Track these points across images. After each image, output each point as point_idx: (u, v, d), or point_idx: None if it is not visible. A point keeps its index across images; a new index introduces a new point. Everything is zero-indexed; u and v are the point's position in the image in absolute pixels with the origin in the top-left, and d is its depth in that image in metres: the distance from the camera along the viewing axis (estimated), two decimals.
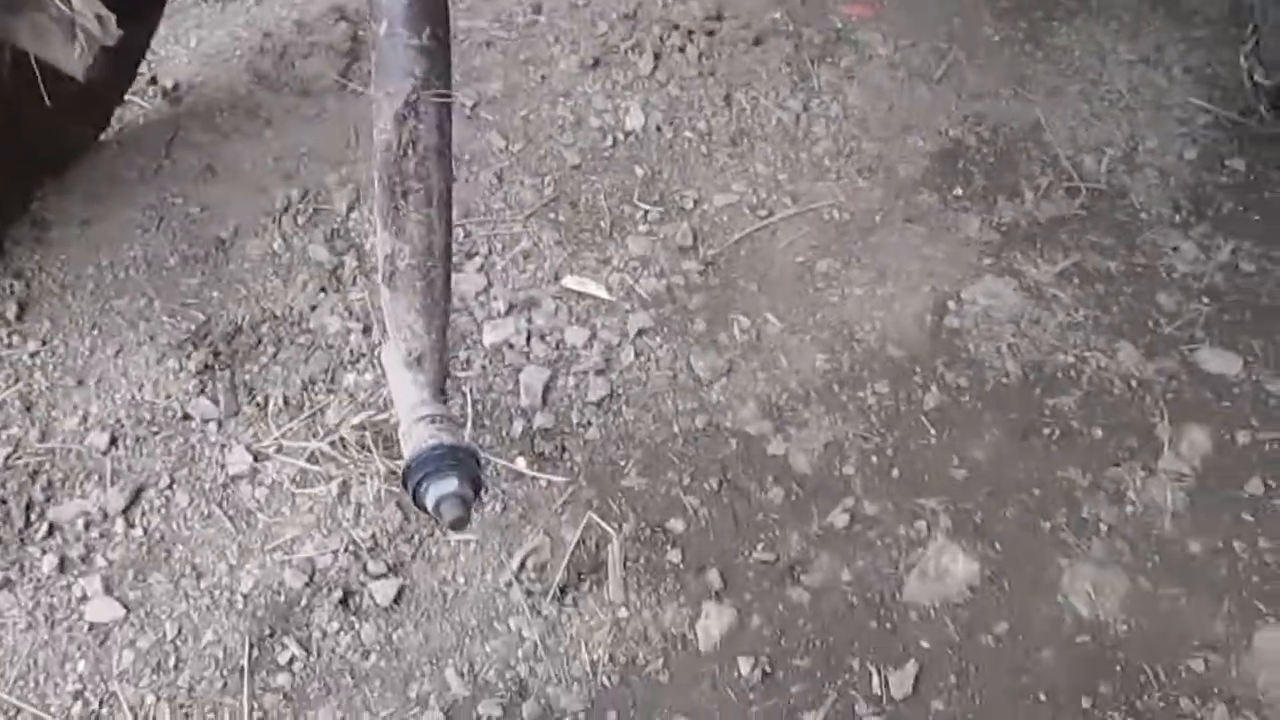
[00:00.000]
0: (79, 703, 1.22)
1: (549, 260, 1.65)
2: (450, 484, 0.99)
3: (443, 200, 1.03)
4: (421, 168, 1.00)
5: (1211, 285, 1.66)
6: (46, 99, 1.48)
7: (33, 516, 1.37)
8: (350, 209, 1.70)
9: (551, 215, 1.72)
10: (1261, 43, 1.69)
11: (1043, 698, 1.22)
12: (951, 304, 1.62)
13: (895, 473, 1.42)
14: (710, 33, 2.04)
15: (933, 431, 1.46)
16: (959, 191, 1.80)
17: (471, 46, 2.00)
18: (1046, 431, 1.46)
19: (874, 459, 1.43)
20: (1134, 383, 1.52)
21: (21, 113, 1.55)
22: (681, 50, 2.00)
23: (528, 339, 1.54)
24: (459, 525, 1.01)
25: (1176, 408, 1.49)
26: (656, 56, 1.98)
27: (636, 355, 1.54)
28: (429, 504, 1.00)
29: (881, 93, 1.97)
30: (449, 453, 1.01)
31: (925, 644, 1.27)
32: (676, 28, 2.04)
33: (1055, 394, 1.51)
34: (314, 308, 1.58)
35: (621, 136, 1.85)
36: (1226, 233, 1.73)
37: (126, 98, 1.84)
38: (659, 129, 1.87)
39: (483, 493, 1.18)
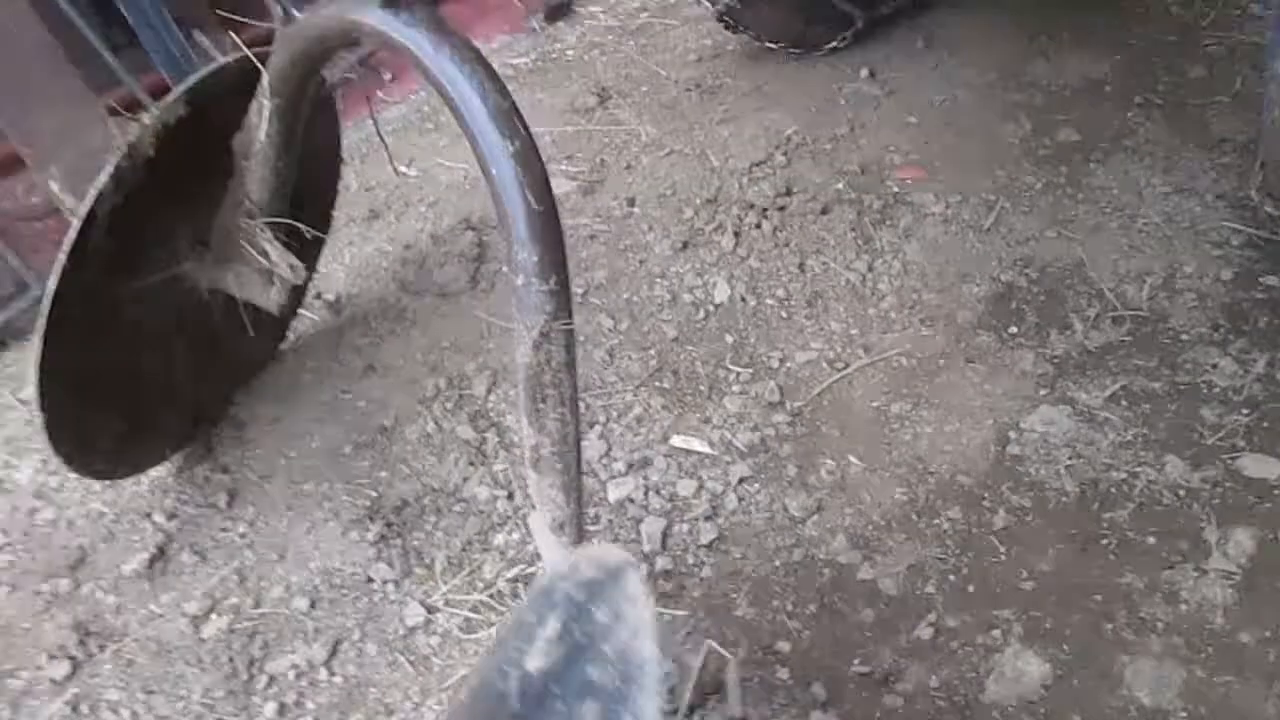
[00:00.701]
0: None
1: (658, 423, 1.94)
2: None
3: (573, 401, 1.32)
4: (555, 379, 1.30)
5: (1250, 396, 1.84)
6: (249, 329, 1.85)
7: (254, 670, 1.67)
8: (489, 391, 2.03)
9: (657, 383, 2.01)
10: (1267, 178, 1.91)
11: None
12: (1012, 433, 1.84)
13: (971, 588, 1.63)
14: (782, 208, 2.34)
15: (1002, 549, 1.67)
16: (1014, 330, 2.04)
17: (578, 240, 2.34)
18: (1104, 542, 1.66)
19: (951, 577, 1.65)
20: (1182, 492, 1.71)
21: (225, 339, 1.92)
22: (758, 226, 2.30)
23: (645, 493, 1.82)
24: None
25: (1222, 512, 1.67)
26: (736, 234, 2.29)
27: (739, 501, 1.80)
28: None
29: (938, 247, 2.23)
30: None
31: None
32: (752, 207, 2.35)
33: (1111, 508, 1.71)
34: (465, 480, 1.88)
35: (712, 309, 2.15)
36: (1263, 346, 1.92)
37: (299, 312, 2.22)
38: (743, 299, 2.16)
39: None
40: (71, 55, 2.41)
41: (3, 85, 2.27)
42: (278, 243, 1.70)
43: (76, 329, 1.58)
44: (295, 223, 1.71)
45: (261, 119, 1.56)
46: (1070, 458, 1.79)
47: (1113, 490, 1.73)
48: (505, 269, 1.34)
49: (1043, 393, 1.91)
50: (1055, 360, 1.97)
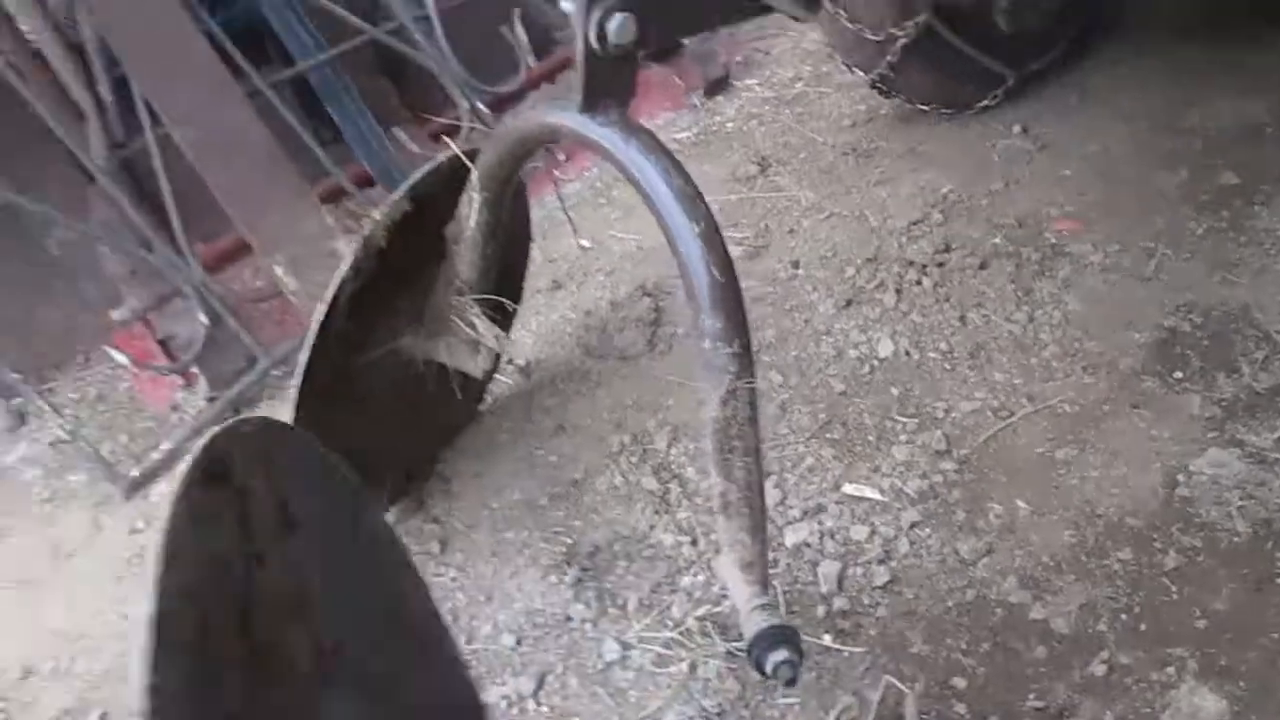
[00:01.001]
0: None
1: (830, 472, 2.06)
2: (782, 654, 1.39)
3: (756, 452, 1.47)
4: (740, 432, 1.45)
5: None
6: (456, 394, 2.08)
7: None
8: (669, 446, 2.19)
9: (827, 435, 2.14)
10: None
11: None
12: (1181, 476, 1.89)
13: (1143, 626, 1.68)
14: (941, 264, 2.45)
15: (1174, 589, 1.72)
16: (1179, 374, 2.08)
17: (747, 302, 2.49)
18: (1279, 581, 1.69)
19: (1123, 616, 1.70)
20: None
21: (435, 404, 2.15)
22: (918, 283, 2.41)
23: (820, 538, 1.94)
24: (791, 684, 1.40)
25: None
26: (898, 291, 2.41)
27: (910, 545, 1.90)
28: (768, 669, 1.40)
29: (1098, 296, 2.29)
30: (779, 631, 1.41)
31: None
32: (912, 264, 2.46)
33: None
34: (652, 527, 2.04)
35: (877, 363, 2.26)
36: None
37: (495, 378, 2.44)
38: (907, 353, 2.27)
39: (803, 660, 1.54)
40: (287, 152, 2.74)
41: (233, 182, 2.60)
42: (484, 316, 1.92)
43: (318, 398, 1.82)
44: (499, 298, 1.93)
45: (471, 210, 1.78)
46: (1241, 499, 1.82)
47: None
48: (692, 334, 1.50)
49: (1211, 435, 1.94)
50: (1223, 403, 2.00)
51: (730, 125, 3.33)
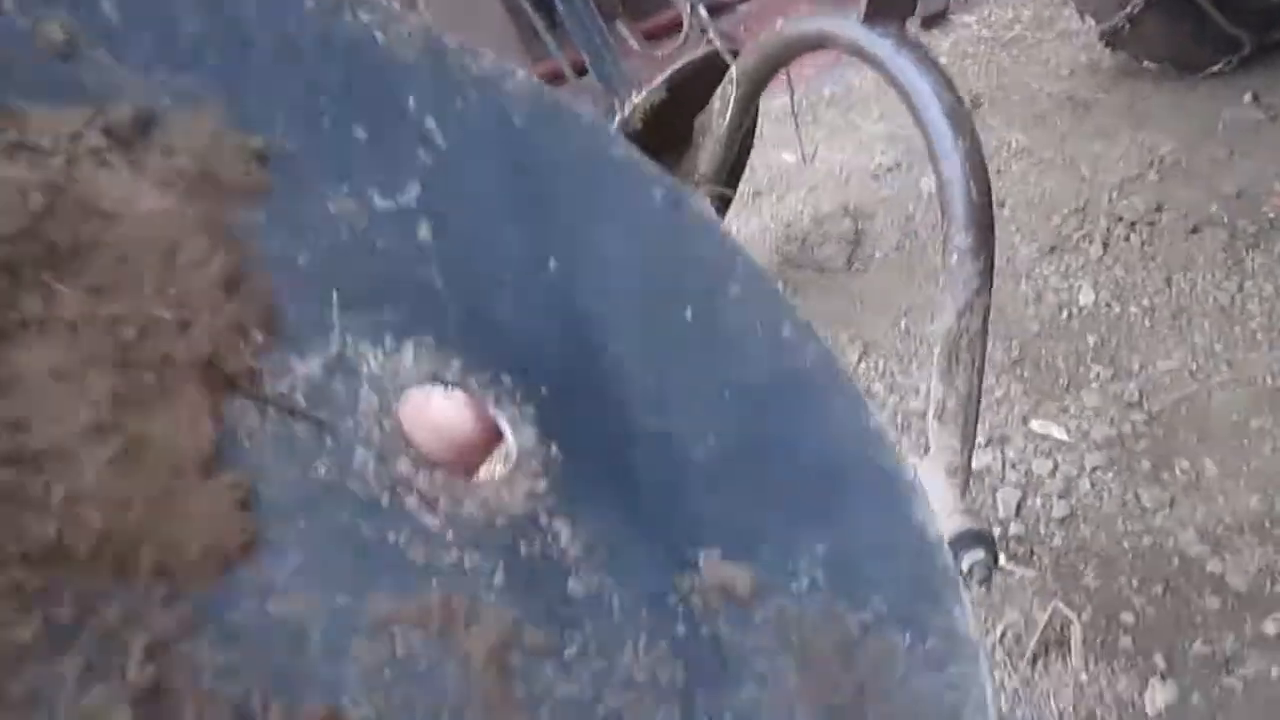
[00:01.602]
0: None
1: (1017, 407, 2.12)
2: (979, 554, 1.48)
3: (980, 366, 1.55)
4: (970, 345, 1.53)
5: None
6: None
7: None
8: (859, 360, 2.27)
9: (1018, 371, 2.19)
10: None
11: None
12: None
13: None
14: (1151, 224, 2.44)
15: None
16: None
17: None
18: None
19: None
20: None
21: None
22: (1126, 239, 2.42)
23: (1002, 467, 2.01)
24: (984, 584, 1.49)
25: None
26: (1104, 244, 2.42)
27: (1092, 486, 1.96)
28: (964, 568, 1.49)
29: None
30: (977, 534, 1.50)
31: None
32: (1121, 220, 2.46)
33: None
34: None
35: (1075, 310, 2.30)
36: None
37: None
38: (1108, 305, 2.29)
39: (997, 564, 1.63)
40: (515, 31, 2.86)
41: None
42: (713, 209, 2.02)
43: None
44: (726, 190, 2.03)
45: (725, 105, 1.87)
46: None
47: None
48: (943, 247, 1.58)
49: None
50: None
51: (944, 60, 3.31)
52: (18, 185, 0.28)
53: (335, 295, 0.34)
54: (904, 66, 1.54)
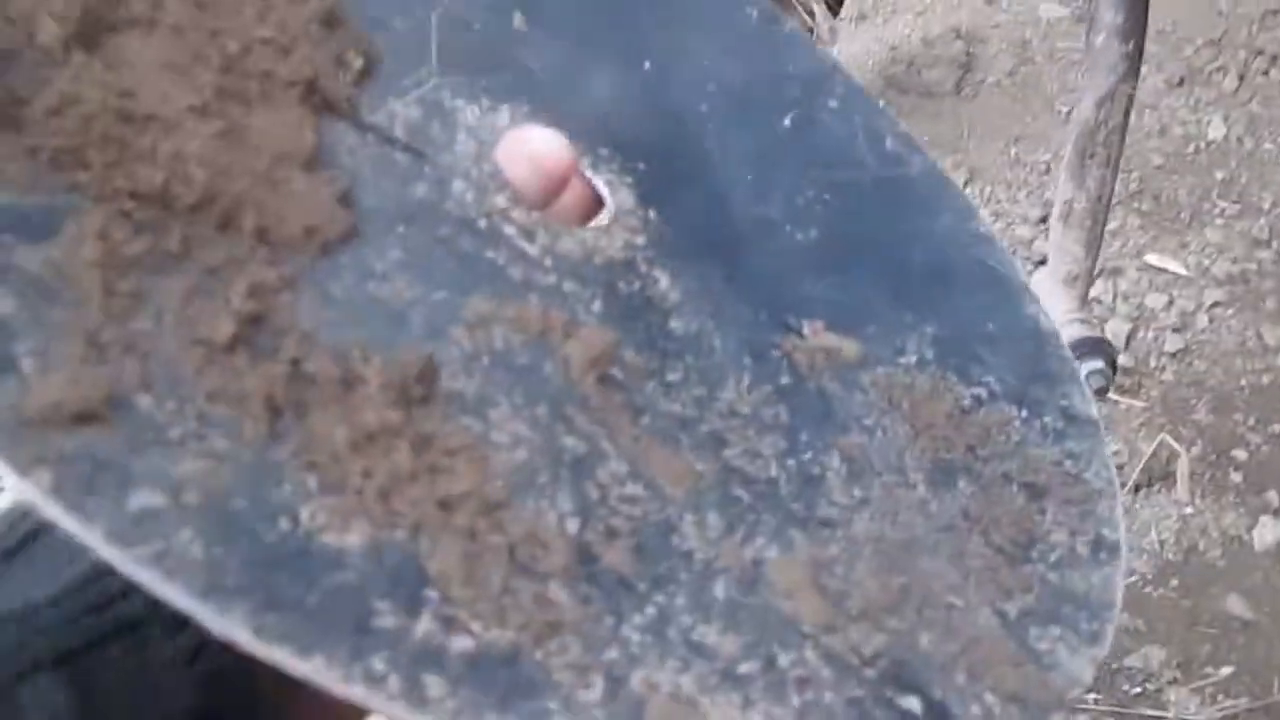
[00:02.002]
0: None
1: (1133, 240, 1.99)
2: (1098, 362, 1.39)
3: (1115, 165, 1.43)
4: (1108, 139, 1.40)
5: None
6: None
7: None
8: (964, 187, 2.15)
9: (1136, 205, 2.05)
10: None
11: None
12: None
13: None
14: None
15: None
16: None
17: (1068, 64, 2.37)
18: None
19: None
20: None
21: None
22: (1265, 73, 2.23)
23: (1114, 298, 1.90)
24: (1102, 393, 1.40)
25: None
26: (1240, 78, 2.24)
27: (1209, 322, 1.84)
28: (1082, 376, 1.40)
29: None
30: (1096, 342, 1.40)
31: None
32: (1261, 53, 2.27)
33: None
34: None
35: (1203, 145, 2.14)
36: None
37: None
38: (1239, 140, 2.13)
39: (1116, 374, 1.53)
40: None
41: None
42: (823, 3, 1.89)
43: None
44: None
45: None
46: None
47: None
48: (1086, 34, 1.44)
49: None
50: None
51: None
52: None
53: (434, 50, 0.36)
54: None
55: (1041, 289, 1.58)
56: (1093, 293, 1.90)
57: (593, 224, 0.37)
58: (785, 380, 0.36)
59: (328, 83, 0.32)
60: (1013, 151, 2.22)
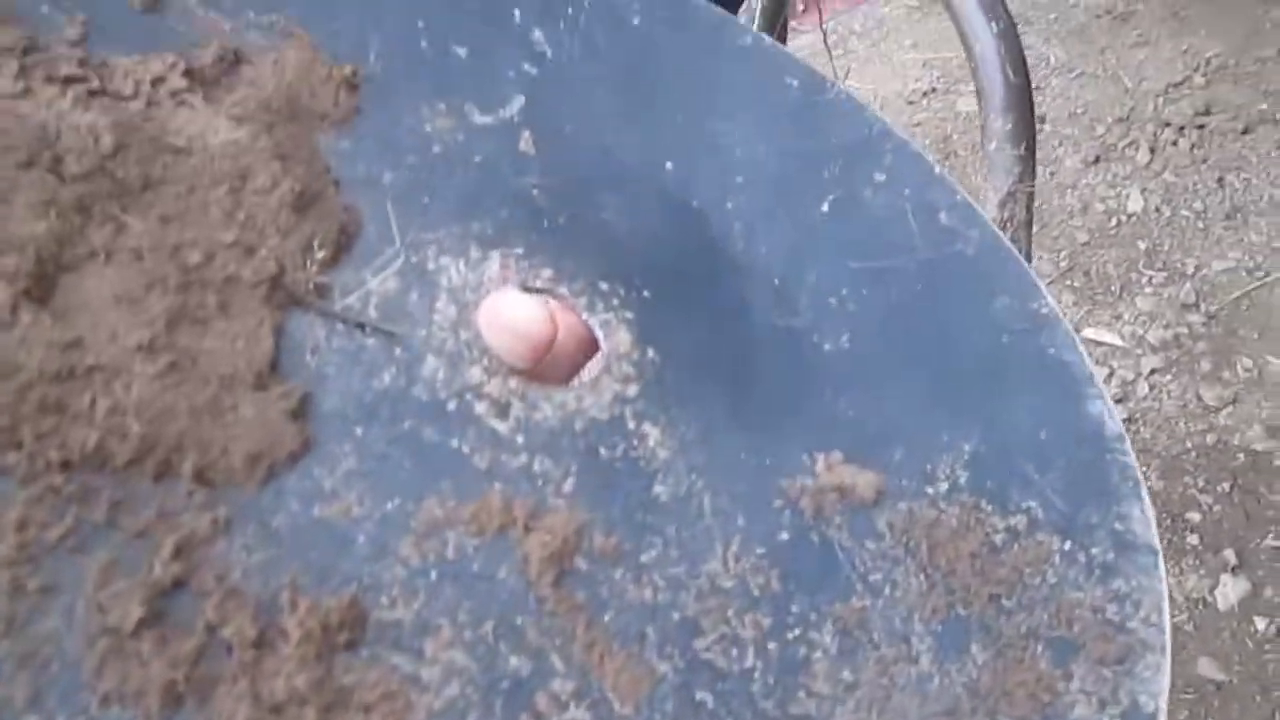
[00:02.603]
0: None
1: (1069, 316, 2.06)
2: None
3: (1027, 255, 1.50)
4: (1015, 236, 1.47)
5: None
6: None
7: None
8: None
9: (1068, 282, 2.14)
10: None
11: None
12: None
13: None
14: (1200, 126, 2.36)
15: None
16: None
17: None
18: None
19: None
20: None
21: None
22: (1174, 144, 2.34)
23: None
24: None
25: None
26: (1152, 150, 2.35)
27: (1150, 389, 1.90)
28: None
29: None
30: None
31: None
32: (1168, 124, 2.39)
33: None
34: None
35: (1124, 218, 2.23)
36: None
37: None
38: (1158, 209, 2.22)
39: None
40: None
41: None
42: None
43: None
44: None
45: (751, 18, 1.83)
46: None
47: None
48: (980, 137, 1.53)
49: None
50: None
51: None
52: (89, 128, 0.30)
53: (420, 209, 0.35)
54: None
55: None
56: None
57: (584, 373, 0.36)
58: (784, 536, 0.33)
59: (294, 276, 0.31)
60: None
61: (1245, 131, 2.33)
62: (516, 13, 0.38)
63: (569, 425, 0.33)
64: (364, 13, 0.36)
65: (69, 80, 0.30)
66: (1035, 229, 2.22)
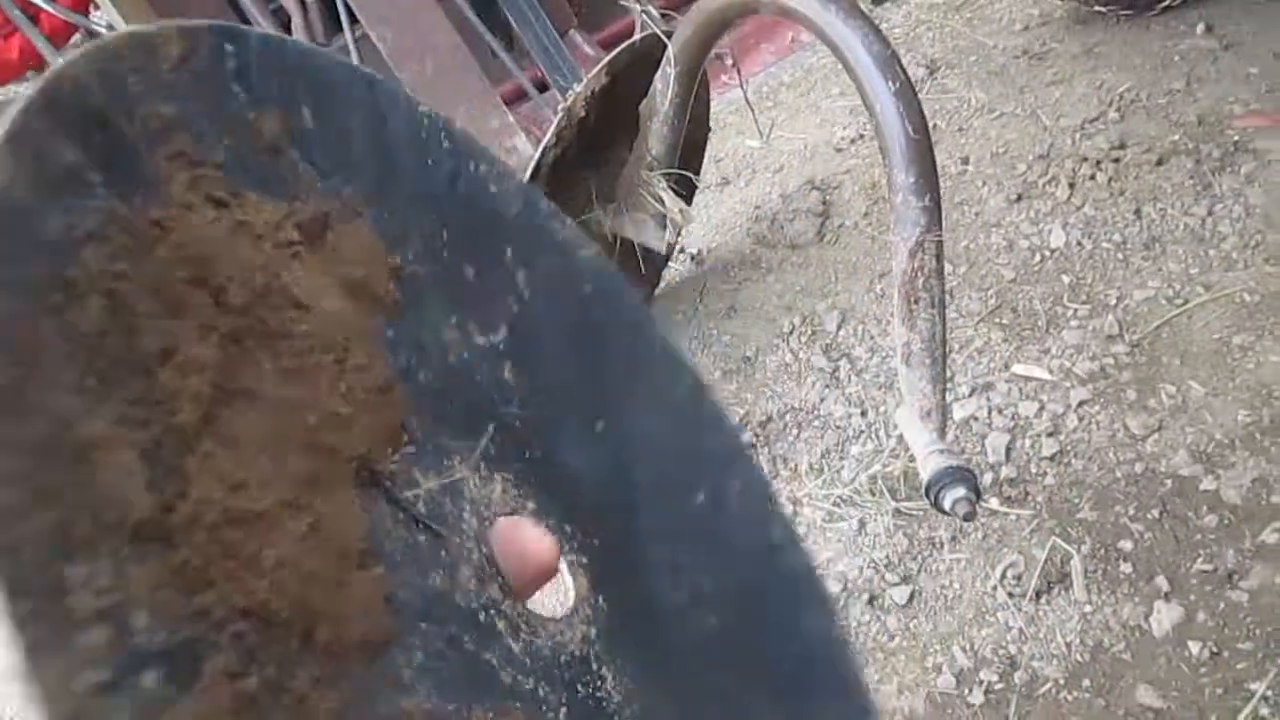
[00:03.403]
0: None
1: (998, 353, 2.11)
2: (961, 490, 1.47)
3: (941, 304, 1.54)
4: (927, 284, 1.52)
5: None
6: (642, 269, 2.20)
7: None
8: (839, 328, 2.27)
9: (996, 319, 2.19)
10: None
11: None
12: None
13: None
14: (1116, 160, 2.44)
15: None
16: None
17: None
18: None
19: None
20: None
21: None
22: (1092, 178, 2.41)
23: (988, 413, 2.00)
24: (969, 518, 1.48)
25: None
26: (1071, 186, 2.42)
27: (1079, 420, 1.94)
28: (947, 506, 1.48)
29: None
30: (958, 471, 1.49)
31: None
32: (1086, 160, 2.46)
33: None
34: (822, 400, 2.14)
35: (1047, 253, 2.29)
36: None
37: (668, 265, 2.56)
38: (1079, 243, 2.28)
39: (980, 499, 1.60)
40: (473, 55, 2.89)
41: (424, 81, 2.76)
42: (670, 191, 2.03)
43: None
44: (685, 172, 2.04)
45: (667, 85, 1.89)
46: None
47: None
48: (887, 193, 1.58)
49: None
50: None
51: (898, 31, 3.33)
52: (247, 263, 0.31)
53: (445, 415, 0.36)
54: (831, 19, 1.55)
55: (903, 425, 1.68)
56: (969, 410, 2.01)
57: (560, 609, 0.38)
58: None
59: (378, 459, 0.32)
60: (878, 287, 2.36)
61: (1159, 163, 2.40)
62: (509, 251, 0.42)
63: (558, 656, 0.36)
64: (409, 211, 0.38)
65: (222, 204, 0.31)
66: (963, 268, 2.28)
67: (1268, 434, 1.82)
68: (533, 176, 1.87)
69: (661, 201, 2.03)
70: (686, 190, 2.11)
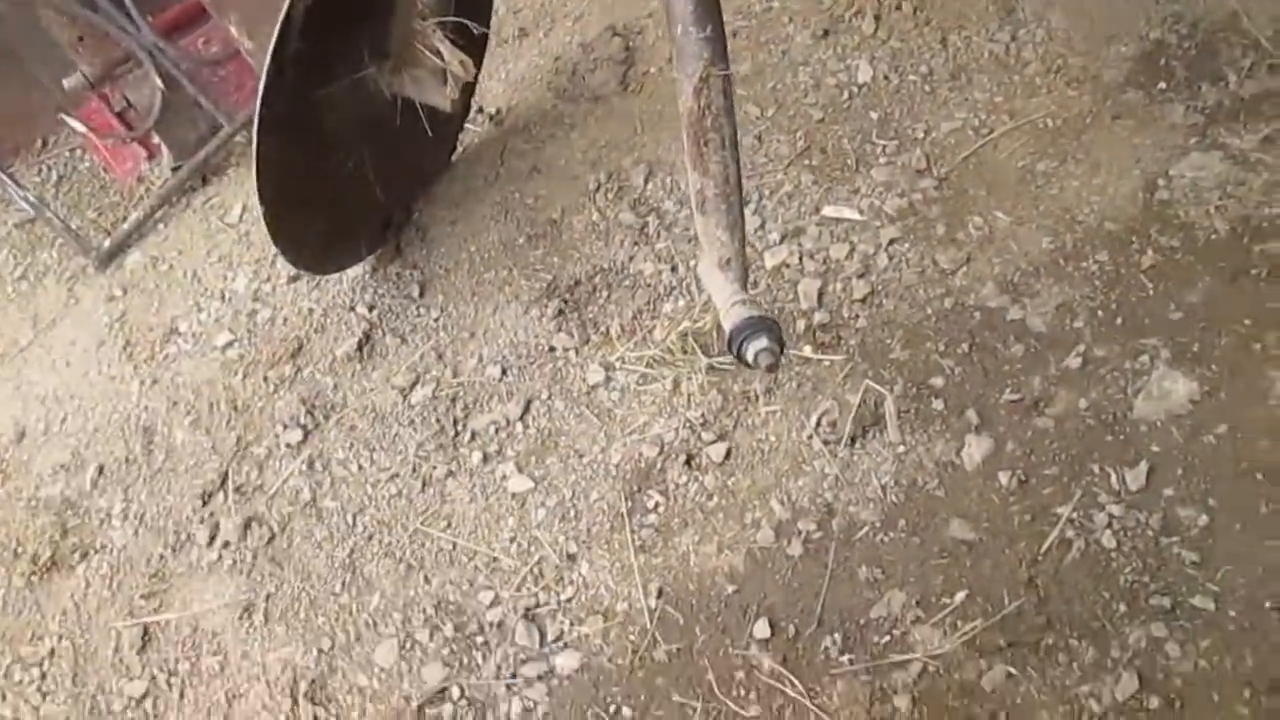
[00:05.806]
0: (514, 545, 1.73)
1: (809, 197, 2.04)
2: (763, 341, 1.40)
3: (733, 144, 1.44)
4: (716, 123, 1.41)
5: None
6: (428, 131, 2.02)
7: (459, 427, 1.90)
8: (646, 181, 2.16)
9: (806, 161, 2.11)
10: None
11: (1260, 476, 1.49)
12: (1161, 180, 1.87)
13: (1119, 321, 1.70)
14: None
15: (1150, 285, 1.73)
16: (1162, 85, 2.03)
17: None
18: (1255, 272, 1.69)
19: (1099, 313, 1.72)
20: None
21: (405, 145, 2.10)
22: (898, 8, 2.33)
23: (800, 259, 1.94)
24: (772, 370, 1.41)
25: None
26: (877, 18, 2.32)
27: (890, 259, 1.90)
28: (749, 358, 1.41)
29: (1083, 11, 2.21)
30: (759, 321, 1.41)
31: (1155, 447, 1.55)
32: None
33: (1263, 240, 1.73)
34: (631, 258, 2.04)
35: (855, 90, 2.21)
36: None
37: (466, 126, 2.38)
38: (886, 78, 2.21)
39: (784, 349, 1.53)
40: None
41: None
42: (448, 42, 1.84)
43: (281, 129, 1.76)
44: (462, 19, 1.85)
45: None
46: (1221, 199, 1.81)
47: (1264, 225, 1.75)
48: (665, 24, 1.44)
49: (1193, 141, 1.92)
50: (1206, 111, 1.96)
51: None
52: None
53: None
54: None
55: (704, 277, 1.59)
56: (780, 257, 1.94)
57: None
58: None
59: None
60: None
61: None
62: None
63: None
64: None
65: None
66: (771, 110, 2.18)
67: (1070, 259, 1.81)
68: (284, 29, 1.66)
69: (439, 54, 1.85)
70: (477, 44, 1.92)
